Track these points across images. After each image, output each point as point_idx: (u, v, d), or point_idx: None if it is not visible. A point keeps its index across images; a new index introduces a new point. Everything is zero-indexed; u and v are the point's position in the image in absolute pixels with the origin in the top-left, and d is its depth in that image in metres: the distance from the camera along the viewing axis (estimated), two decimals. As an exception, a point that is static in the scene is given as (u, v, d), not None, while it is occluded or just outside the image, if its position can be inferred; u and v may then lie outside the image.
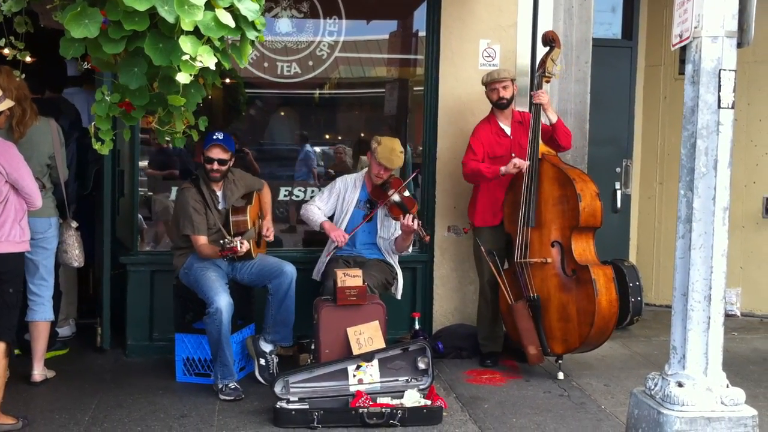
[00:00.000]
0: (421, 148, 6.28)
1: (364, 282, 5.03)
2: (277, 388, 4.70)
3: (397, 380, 4.91)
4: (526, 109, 5.96)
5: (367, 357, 4.87)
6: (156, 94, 2.95)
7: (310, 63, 6.22)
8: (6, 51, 3.68)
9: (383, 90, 6.79)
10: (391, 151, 5.45)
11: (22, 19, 3.49)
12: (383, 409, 4.54)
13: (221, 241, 4.85)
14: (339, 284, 4.97)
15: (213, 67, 2.67)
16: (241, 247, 4.82)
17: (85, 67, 3.15)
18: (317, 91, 6.63)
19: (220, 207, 5.27)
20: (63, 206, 5.22)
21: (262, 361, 5.26)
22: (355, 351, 4.89)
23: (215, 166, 5.16)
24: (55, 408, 4.77)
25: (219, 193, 5.28)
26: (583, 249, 5.33)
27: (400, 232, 5.50)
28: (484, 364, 5.70)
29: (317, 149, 6.94)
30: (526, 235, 5.39)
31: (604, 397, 5.12)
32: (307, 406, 4.59)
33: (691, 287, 3.38)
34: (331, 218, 5.64)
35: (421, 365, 4.92)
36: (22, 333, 5.21)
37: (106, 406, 4.81)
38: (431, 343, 5.44)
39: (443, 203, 6.15)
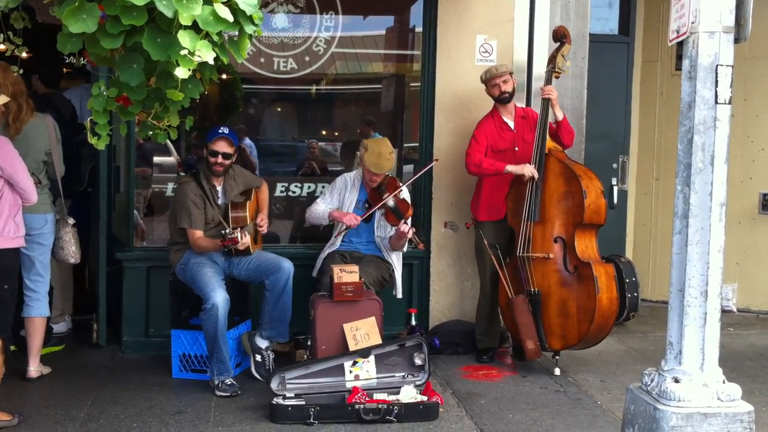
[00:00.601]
0: (417, 144, 6.27)
1: (360, 278, 5.03)
2: (274, 384, 4.70)
3: (394, 376, 4.92)
4: (522, 104, 5.97)
5: (364, 353, 4.87)
6: (153, 89, 2.94)
7: (307, 58, 6.21)
8: (2, 47, 3.67)
9: (380, 86, 6.78)
10: (378, 156, 5.45)
11: (19, 15, 3.48)
12: (380, 405, 4.54)
13: (223, 232, 4.87)
14: (335, 280, 4.97)
15: (211, 62, 2.66)
16: (242, 239, 4.83)
17: (83, 62, 3.14)
18: (314, 87, 6.62)
19: (219, 202, 5.27)
20: (61, 203, 5.21)
21: (258, 358, 5.26)
22: (352, 347, 4.89)
23: (219, 159, 5.16)
24: (50, 404, 4.76)
25: (219, 188, 5.28)
26: (586, 246, 5.33)
27: (393, 231, 5.51)
28: (481, 360, 5.70)
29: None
30: (529, 230, 5.39)
31: (601, 392, 5.13)
32: (304, 402, 4.58)
33: (687, 283, 3.38)
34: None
35: (418, 361, 4.92)
36: (18, 329, 5.20)
37: (101, 403, 4.81)
38: (428, 339, 5.44)
39: (440, 199, 6.15)
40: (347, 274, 5.00)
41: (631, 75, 7.49)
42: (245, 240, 4.94)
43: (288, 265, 5.21)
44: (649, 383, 3.48)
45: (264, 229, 5.43)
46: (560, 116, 5.52)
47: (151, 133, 3.29)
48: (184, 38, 2.56)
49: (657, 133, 7.45)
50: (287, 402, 4.59)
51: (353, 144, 6.65)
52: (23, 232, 4.54)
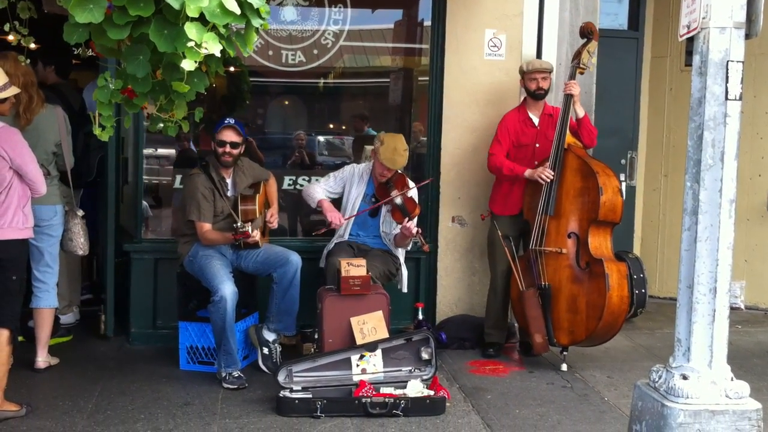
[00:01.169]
0: (425, 138, 6.26)
1: (367, 272, 5.02)
2: (281, 377, 4.70)
3: (400, 370, 4.91)
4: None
5: (371, 347, 4.87)
6: (159, 81, 2.94)
7: (315, 51, 6.20)
8: (10, 37, 3.67)
9: (388, 79, 6.77)
10: (393, 151, 5.41)
11: (25, 5, 3.49)
12: (386, 399, 4.54)
13: (234, 225, 4.89)
14: (343, 274, 4.96)
15: (218, 54, 2.66)
16: (253, 232, 4.84)
17: (89, 53, 3.14)
18: (322, 80, 6.62)
19: (229, 194, 5.27)
20: (70, 194, 5.23)
21: (266, 350, 5.27)
22: (359, 341, 4.89)
23: (227, 149, 5.16)
24: (58, 395, 4.78)
25: (228, 181, 5.29)
26: (600, 243, 5.30)
27: (398, 229, 5.49)
28: (487, 354, 5.70)
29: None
30: (544, 224, 5.37)
31: (608, 389, 5.12)
32: (310, 396, 4.59)
33: (696, 280, 3.36)
34: (337, 204, 5.63)
35: (425, 355, 4.92)
36: (26, 320, 5.22)
37: (109, 394, 4.82)
38: (434, 334, 5.43)
39: (447, 194, 6.14)
40: (354, 268, 5.00)
41: (640, 70, 7.46)
42: (255, 234, 4.95)
43: (296, 259, 5.21)
44: (657, 380, 3.47)
45: (274, 225, 5.43)
46: (581, 113, 5.48)
47: (162, 125, 3.28)
48: (191, 30, 2.56)
49: (666, 129, 7.42)
50: (294, 395, 4.59)
51: (357, 138, 6.66)
52: (32, 224, 4.54)
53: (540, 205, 5.38)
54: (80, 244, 5.22)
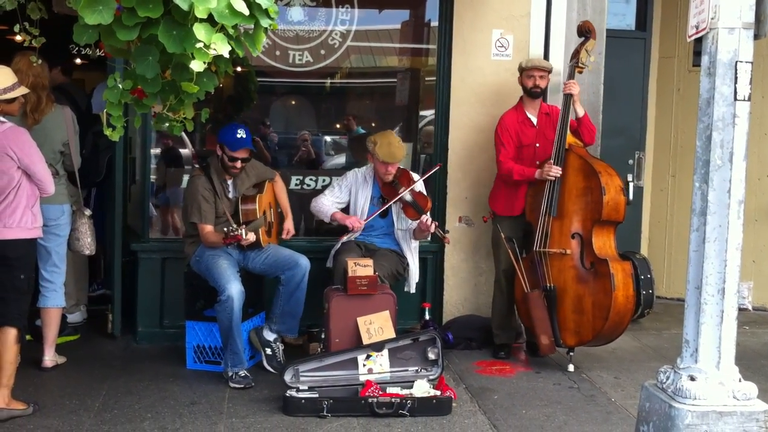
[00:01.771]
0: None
1: (374, 272, 5.02)
2: (287, 377, 4.71)
3: (407, 370, 4.91)
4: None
5: (377, 347, 4.87)
6: (168, 81, 2.95)
7: (322, 52, 6.20)
8: (18, 38, 3.68)
9: (395, 80, 6.76)
10: (389, 145, 5.41)
11: (35, 5, 3.50)
12: (393, 399, 4.54)
13: (225, 229, 4.89)
14: (350, 274, 4.97)
15: (227, 55, 2.66)
16: (246, 235, 4.84)
17: (99, 53, 3.15)
18: (329, 80, 6.62)
19: (230, 196, 5.27)
20: (77, 194, 5.24)
21: (269, 351, 5.27)
22: (365, 340, 4.89)
23: (238, 164, 5.17)
24: (65, 394, 4.79)
25: (230, 182, 5.28)
26: (603, 243, 5.30)
27: (416, 225, 5.49)
28: (498, 356, 5.69)
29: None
30: (547, 225, 5.37)
31: (614, 389, 5.11)
32: (317, 395, 4.59)
33: (704, 280, 3.36)
34: (345, 211, 5.65)
35: (431, 356, 4.92)
36: (33, 319, 5.23)
37: (116, 393, 4.83)
38: (441, 334, 5.43)
39: (454, 194, 6.13)
40: (361, 268, 5.00)
41: (648, 71, 7.44)
42: (250, 237, 4.93)
43: (305, 263, 5.20)
44: (664, 381, 3.46)
45: (290, 235, 5.43)
46: (581, 112, 5.48)
47: (167, 125, 3.29)
48: (200, 31, 2.56)
49: (673, 130, 7.40)
50: (301, 395, 4.60)
51: (355, 138, 6.66)
52: (40, 223, 4.55)
53: (543, 206, 5.37)
54: (87, 243, 5.23)
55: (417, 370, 4.92)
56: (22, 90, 4.48)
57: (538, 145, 5.57)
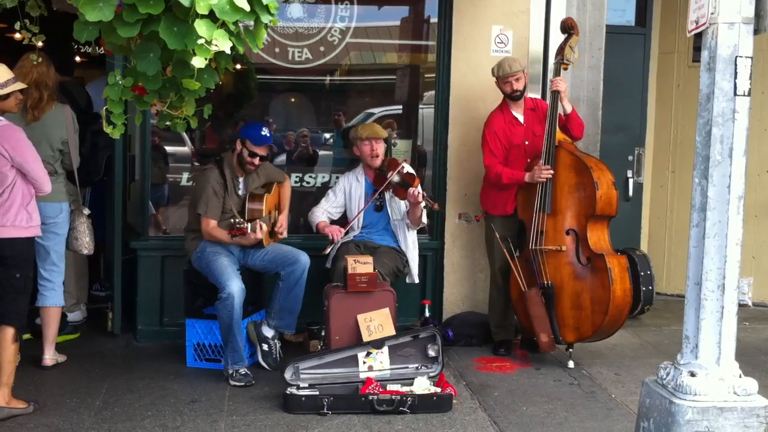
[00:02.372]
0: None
1: (374, 269, 5.02)
2: (288, 374, 4.71)
3: (407, 367, 4.92)
4: (538, 96, 5.94)
5: (377, 344, 4.87)
6: (169, 78, 2.94)
7: (322, 49, 6.20)
8: (18, 35, 3.68)
9: (394, 76, 6.76)
10: (369, 125, 5.61)
11: (35, 3, 3.49)
12: (393, 396, 4.54)
13: (231, 221, 4.89)
14: (349, 271, 4.97)
15: (228, 51, 2.66)
16: (252, 230, 4.84)
17: (99, 51, 3.14)
18: (328, 77, 6.61)
19: (240, 193, 5.28)
20: (76, 192, 5.23)
21: (265, 347, 5.26)
22: (365, 338, 4.89)
23: (257, 161, 5.20)
24: (65, 392, 4.79)
25: (241, 179, 5.29)
26: (599, 238, 5.32)
27: (407, 207, 5.51)
28: (498, 353, 5.69)
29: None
30: (541, 222, 5.37)
31: (615, 386, 5.11)
32: (317, 393, 4.59)
33: (704, 276, 3.35)
34: (344, 217, 5.68)
35: (431, 353, 4.92)
36: (33, 317, 5.23)
37: (116, 391, 4.83)
38: (441, 331, 5.43)
39: (454, 190, 6.13)
40: (361, 265, 5.00)
41: (648, 67, 7.43)
42: (258, 235, 4.94)
43: (305, 259, 5.20)
44: (664, 377, 3.46)
45: (284, 235, 5.43)
46: (569, 109, 5.48)
47: (169, 122, 3.28)
48: (201, 27, 2.56)
49: (673, 126, 7.40)
50: (301, 392, 4.59)
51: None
52: (38, 222, 4.53)
53: (536, 203, 5.37)
54: (85, 243, 5.21)
55: (417, 367, 4.92)
56: (18, 86, 4.45)
57: (527, 142, 5.57)
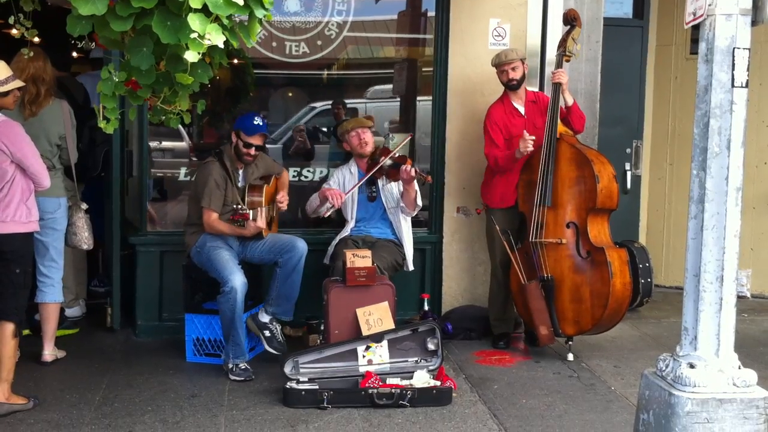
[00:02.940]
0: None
1: (373, 263, 5.02)
2: (287, 369, 4.71)
3: (407, 361, 4.92)
4: (536, 89, 5.92)
5: (377, 338, 4.87)
6: (162, 73, 2.93)
7: (319, 43, 6.18)
8: (14, 31, 3.66)
9: (392, 70, 6.74)
10: (354, 118, 5.71)
11: (28, -3, 3.47)
12: (393, 390, 4.54)
13: (234, 206, 4.94)
14: (348, 265, 4.96)
15: (221, 46, 2.65)
16: (253, 217, 4.89)
17: (92, 46, 3.13)
18: (325, 72, 6.60)
19: (239, 184, 5.29)
20: (74, 188, 5.23)
21: (267, 333, 5.25)
22: (365, 332, 4.89)
23: (253, 151, 5.21)
24: (65, 388, 4.79)
25: (240, 171, 5.31)
26: (599, 231, 5.31)
27: (401, 189, 5.51)
28: (497, 346, 5.69)
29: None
30: (542, 215, 5.36)
31: (614, 378, 5.11)
32: (317, 387, 4.60)
33: (703, 268, 3.35)
34: (340, 212, 5.68)
35: (431, 346, 4.92)
36: (32, 313, 5.22)
37: (116, 386, 4.83)
38: (440, 324, 5.43)
39: (452, 184, 6.13)
40: (360, 259, 5.00)
41: (646, 59, 7.43)
42: (259, 223, 4.95)
43: (302, 245, 5.20)
44: (664, 369, 3.45)
45: (284, 206, 5.44)
46: (570, 101, 5.47)
47: (163, 117, 3.28)
48: (194, 21, 2.55)
49: (671, 118, 7.39)
50: (301, 386, 4.60)
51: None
52: (36, 217, 4.53)
53: (536, 196, 5.36)
54: (84, 238, 5.21)
55: (417, 361, 4.92)
56: (17, 83, 4.47)
57: (527, 133, 5.56)
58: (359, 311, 4.94)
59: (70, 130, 5.16)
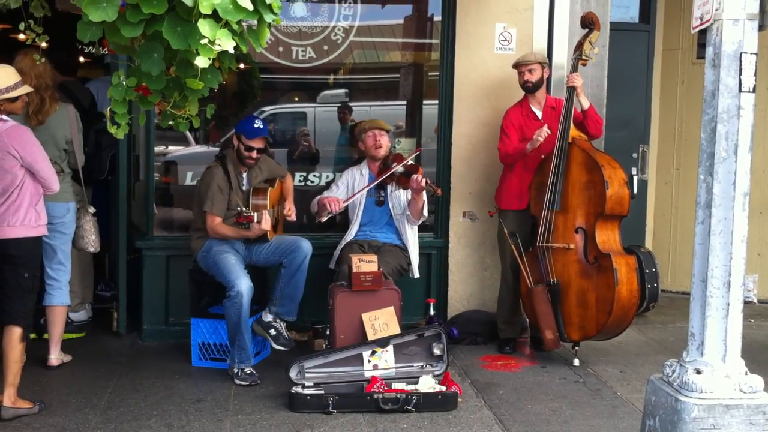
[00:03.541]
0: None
1: (379, 268, 5.02)
2: (293, 374, 4.71)
3: (412, 366, 4.91)
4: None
5: (382, 342, 4.87)
6: (173, 78, 2.94)
7: (325, 47, 6.19)
8: (22, 36, 3.68)
9: (398, 75, 6.75)
10: (373, 119, 5.70)
11: (38, 3, 3.49)
12: (398, 395, 4.54)
13: (239, 209, 4.93)
14: (354, 269, 4.96)
15: (231, 51, 2.66)
16: (258, 219, 4.88)
17: (102, 51, 3.14)
18: (332, 76, 6.61)
19: (243, 188, 5.30)
20: (82, 191, 5.24)
21: (272, 331, 5.24)
22: (370, 336, 4.89)
23: (254, 154, 5.21)
24: (71, 392, 4.80)
25: (244, 175, 5.31)
26: (607, 237, 5.28)
27: (408, 198, 5.51)
28: (503, 351, 5.68)
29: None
30: (551, 219, 5.35)
31: (620, 383, 5.10)
32: (322, 392, 4.59)
33: (710, 273, 3.35)
34: (346, 213, 5.70)
35: (436, 351, 4.92)
36: (38, 317, 5.23)
37: (122, 390, 4.84)
38: (446, 329, 5.42)
39: (458, 189, 6.13)
40: (366, 264, 5.00)
41: (652, 63, 7.42)
42: (263, 225, 4.96)
43: (307, 245, 5.20)
44: (670, 374, 3.45)
45: (292, 217, 5.44)
46: (586, 105, 5.45)
47: (172, 122, 3.29)
48: (204, 27, 2.56)
49: (678, 123, 7.38)
50: (306, 391, 4.60)
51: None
52: (45, 221, 4.54)
53: (546, 200, 5.36)
54: (92, 241, 5.24)
55: (422, 366, 4.91)
56: (26, 89, 4.48)
57: None
58: (365, 316, 4.94)
59: (77, 134, 5.18)
